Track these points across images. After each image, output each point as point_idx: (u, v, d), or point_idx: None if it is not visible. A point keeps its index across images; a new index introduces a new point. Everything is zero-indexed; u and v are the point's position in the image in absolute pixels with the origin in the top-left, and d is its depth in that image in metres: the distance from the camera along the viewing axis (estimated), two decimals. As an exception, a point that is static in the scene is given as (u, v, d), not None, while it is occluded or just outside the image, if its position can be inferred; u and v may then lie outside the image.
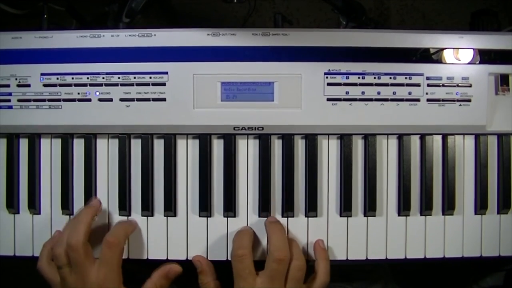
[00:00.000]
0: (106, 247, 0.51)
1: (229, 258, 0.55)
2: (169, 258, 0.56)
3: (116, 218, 0.56)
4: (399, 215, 0.57)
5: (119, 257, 0.51)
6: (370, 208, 0.56)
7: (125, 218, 0.56)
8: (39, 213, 0.57)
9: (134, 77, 0.54)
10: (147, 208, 0.56)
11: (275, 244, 0.51)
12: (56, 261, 0.51)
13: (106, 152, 0.57)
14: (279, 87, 0.54)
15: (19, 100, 0.55)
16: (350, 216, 0.56)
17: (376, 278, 0.67)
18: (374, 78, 0.55)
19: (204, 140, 0.56)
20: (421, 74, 0.55)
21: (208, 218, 0.56)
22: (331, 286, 0.63)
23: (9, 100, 0.55)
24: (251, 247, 0.53)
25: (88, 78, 0.54)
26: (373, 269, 0.68)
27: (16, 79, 0.55)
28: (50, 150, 0.57)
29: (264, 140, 0.56)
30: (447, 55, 0.55)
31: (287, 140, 0.56)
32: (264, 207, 0.56)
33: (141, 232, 0.56)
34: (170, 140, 0.56)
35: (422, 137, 0.57)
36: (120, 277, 0.51)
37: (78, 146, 0.56)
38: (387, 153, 0.57)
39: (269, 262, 0.50)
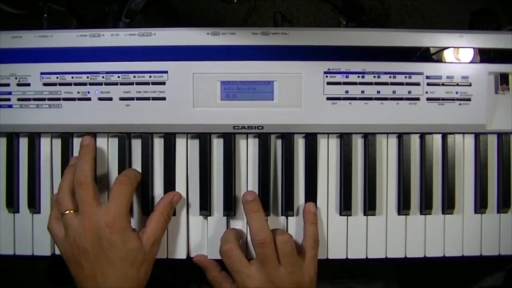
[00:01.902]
0: (118, 185, 0.50)
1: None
2: (169, 257, 0.56)
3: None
4: (399, 214, 0.57)
5: (129, 196, 0.51)
6: (370, 207, 0.56)
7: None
8: (39, 213, 0.57)
9: (134, 76, 0.54)
10: (147, 207, 0.56)
11: (254, 228, 0.51)
12: (60, 208, 0.50)
13: (106, 151, 0.57)
14: (279, 86, 0.54)
15: (19, 99, 0.55)
16: (350, 215, 0.56)
17: (378, 275, 0.67)
18: (374, 77, 0.55)
19: (204, 139, 0.56)
20: (421, 73, 0.55)
21: (208, 217, 0.56)
22: (335, 283, 0.63)
23: (9, 99, 0.55)
24: (237, 241, 0.53)
25: (88, 77, 0.54)
26: (375, 267, 0.68)
27: (16, 78, 0.55)
28: (50, 149, 0.57)
29: (263, 139, 0.56)
30: (447, 54, 0.55)
31: (287, 139, 0.56)
32: (263, 206, 0.55)
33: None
34: (170, 139, 0.56)
35: (422, 136, 0.57)
36: (129, 218, 0.50)
37: (78, 145, 0.56)
38: (387, 152, 0.57)
39: (255, 249, 0.51)
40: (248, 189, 0.56)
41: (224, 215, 0.56)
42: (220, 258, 0.53)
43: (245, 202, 0.54)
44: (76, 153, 0.56)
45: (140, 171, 0.56)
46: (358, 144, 0.57)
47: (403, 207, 0.56)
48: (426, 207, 0.56)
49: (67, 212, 0.50)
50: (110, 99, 0.54)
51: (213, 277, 0.54)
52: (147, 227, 0.51)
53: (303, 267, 0.52)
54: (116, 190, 0.50)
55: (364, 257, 0.56)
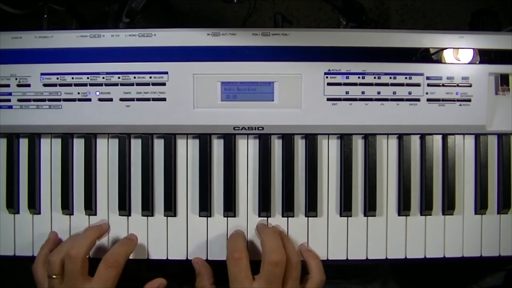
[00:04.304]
0: (105, 267, 0.50)
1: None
2: (169, 258, 0.56)
3: (116, 218, 0.56)
4: (399, 215, 0.57)
5: (115, 279, 0.50)
6: (370, 208, 0.56)
7: (125, 218, 0.56)
8: (39, 213, 0.57)
9: (134, 77, 0.54)
10: (147, 208, 0.56)
11: (270, 245, 0.51)
12: (49, 269, 0.50)
13: (106, 152, 0.57)
14: (279, 87, 0.54)
15: (19, 100, 0.55)
16: (350, 216, 0.56)
17: (375, 275, 0.67)
18: (374, 78, 0.55)
19: (204, 140, 0.56)
20: (421, 74, 0.55)
21: (208, 218, 0.56)
22: (329, 283, 0.63)
23: (9, 100, 0.55)
24: (247, 250, 0.52)
25: (88, 78, 0.54)
26: (372, 267, 0.68)
27: (16, 79, 0.55)
28: (50, 150, 0.57)
29: (264, 140, 0.56)
30: (447, 55, 0.55)
31: (287, 140, 0.56)
32: (264, 207, 0.56)
33: (141, 232, 0.56)
34: (170, 140, 0.56)
35: (422, 137, 0.57)
36: None
37: (78, 146, 0.56)
38: (387, 153, 0.57)
39: (265, 265, 0.49)
40: (249, 190, 0.57)
41: (224, 216, 0.56)
42: (220, 260, 0.53)
43: (260, 226, 0.55)
44: (76, 155, 0.56)
45: (141, 175, 0.56)
46: (358, 145, 0.57)
47: (403, 208, 0.56)
48: (426, 208, 0.56)
49: (54, 276, 0.50)
50: (111, 99, 0.54)
51: (202, 286, 0.53)
52: None
53: None
54: (102, 273, 0.50)
55: (365, 258, 0.56)
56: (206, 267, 0.55)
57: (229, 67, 0.54)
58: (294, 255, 0.52)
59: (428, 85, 0.55)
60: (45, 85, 0.55)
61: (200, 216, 0.56)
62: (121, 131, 0.56)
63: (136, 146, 0.57)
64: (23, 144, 0.57)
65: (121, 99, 0.54)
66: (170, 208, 0.56)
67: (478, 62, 0.55)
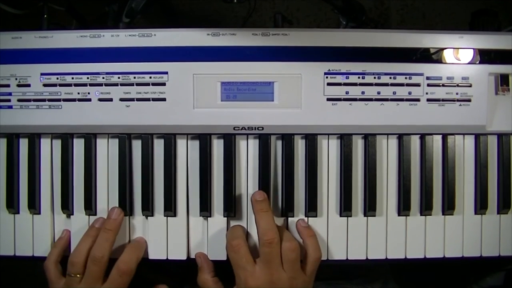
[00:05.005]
0: (118, 274, 0.51)
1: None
2: (169, 258, 0.56)
3: (116, 218, 0.56)
4: (399, 215, 0.57)
5: (127, 284, 0.52)
6: (370, 208, 0.56)
7: (125, 218, 0.56)
8: (39, 213, 0.57)
9: (134, 77, 0.54)
10: (147, 208, 0.56)
11: (263, 227, 0.51)
12: (71, 268, 0.51)
13: (106, 152, 0.57)
14: (279, 87, 0.54)
15: (19, 100, 0.55)
16: (350, 216, 0.56)
17: (375, 276, 0.67)
18: (374, 78, 0.55)
19: (204, 140, 0.56)
20: (421, 74, 0.55)
21: (208, 218, 0.56)
22: (330, 283, 0.63)
23: (9, 100, 0.55)
24: (245, 238, 0.53)
25: (88, 78, 0.54)
26: (373, 267, 0.68)
27: (16, 79, 0.55)
28: (50, 150, 0.57)
29: (264, 140, 0.56)
30: (447, 55, 0.55)
31: (287, 140, 0.56)
32: (264, 207, 0.56)
33: (141, 232, 0.56)
34: (170, 140, 0.56)
35: (422, 137, 0.57)
36: None
37: (78, 146, 0.56)
38: (387, 153, 0.57)
39: (261, 248, 0.51)
40: (249, 190, 0.56)
41: (224, 216, 0.56)
42: (220, 260, 0.53)
43: (254, 201, 0.54)
44: (76, 155, 0.56)
45: (141, 175, 0.56)
46: (358, 145, 0.57)
47: (403, 208, 0.56)
48: (426, 208, 0.56)
49: (74, 275, 0.51)
50: (110, 100, 0.54)
51: (204, 279, 0.54)
52: None
53: (303, 278, 0.51)
54: (115, 279, 0.51)
55: (364, 258, 0.56)
56: (206, 261, 0.55)
57: (229, 67, 0.54)
58: (289, 239, 0.52)
59: (428, 85, 0.55)
60: (45, 85, 0.55)
61: (200, 216, 0.56)
62: (121, 131, 0.56)
63: (136, 146, 0.57)
64: (23, 144, 0.57)
65: (121, 99, 0.54)
66: (170, 208, 0.56)
67: (478, 62, 0.55)
